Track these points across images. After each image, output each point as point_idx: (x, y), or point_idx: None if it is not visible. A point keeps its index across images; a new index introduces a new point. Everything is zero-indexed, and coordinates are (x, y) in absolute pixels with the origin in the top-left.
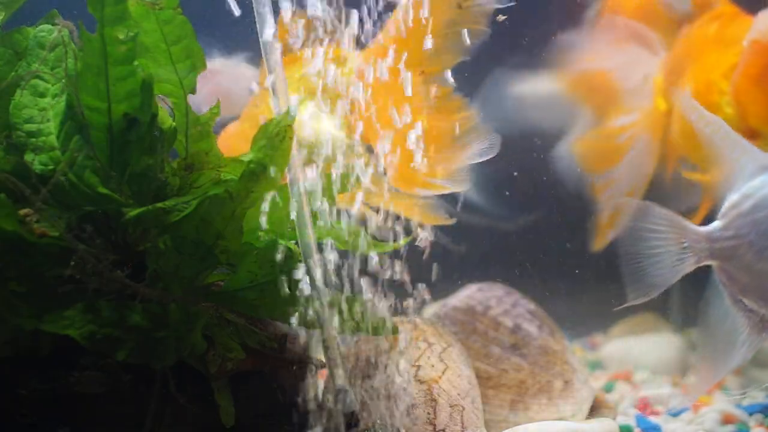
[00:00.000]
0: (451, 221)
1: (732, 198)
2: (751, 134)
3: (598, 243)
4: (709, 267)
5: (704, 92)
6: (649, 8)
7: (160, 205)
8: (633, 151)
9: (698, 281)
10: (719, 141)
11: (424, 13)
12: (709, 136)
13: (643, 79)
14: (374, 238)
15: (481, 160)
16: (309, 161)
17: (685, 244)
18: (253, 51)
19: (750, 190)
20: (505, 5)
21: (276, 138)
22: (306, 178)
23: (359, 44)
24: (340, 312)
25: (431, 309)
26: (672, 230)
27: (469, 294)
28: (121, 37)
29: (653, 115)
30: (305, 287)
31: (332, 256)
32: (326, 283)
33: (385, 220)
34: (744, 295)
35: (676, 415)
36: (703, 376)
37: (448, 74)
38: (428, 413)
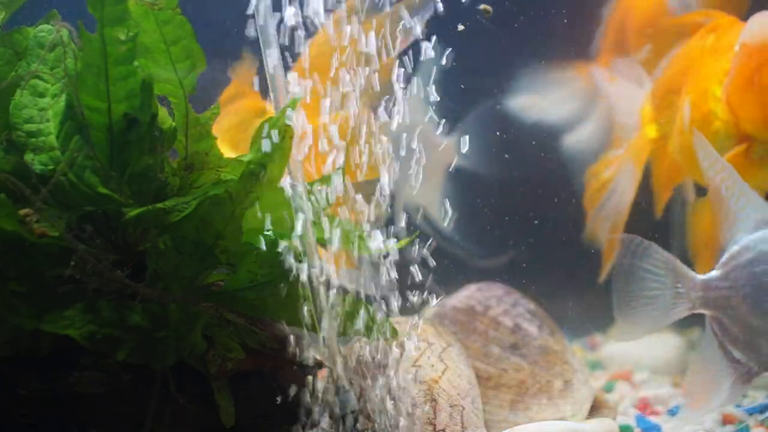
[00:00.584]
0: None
1: (732, 249)
2: (745, 139)
3: (603, 275)
4: None
5: (700, 101)
6: (656, 18)
7: (160, 205)
8: (617, 181)
9: None
10: (726, 189)
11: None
12: (717, 182)
13: (631, 113)
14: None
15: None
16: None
17: (681, 290)
18: None
19: (750, 242)
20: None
21: (276, 138)
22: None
23: None
24: (341, 312)
25: (431, 309)
26: (669, 274)
27: (468, 294)
28: (121, 37)
29: (639, 144)
30: (305, 287)
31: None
32: (326, 284)
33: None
34: (734, 346)
35: (675, 414)
36: (686, 413)
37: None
38: (428, 413)
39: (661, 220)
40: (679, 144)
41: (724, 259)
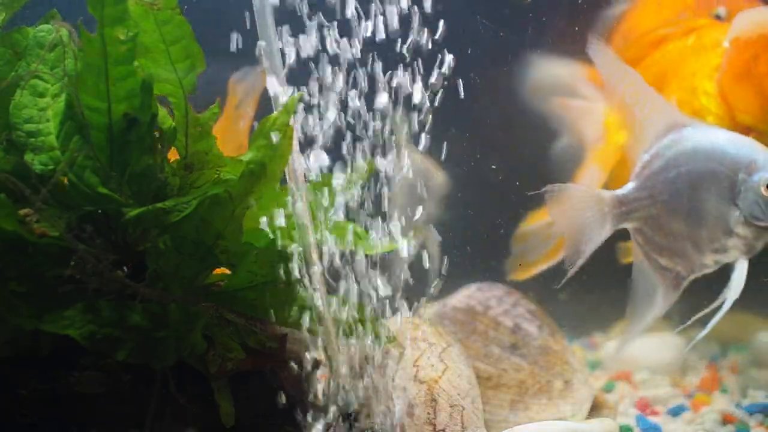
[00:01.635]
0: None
1: (644, 158)
2: (743, 131)
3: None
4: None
5: (689, 98)
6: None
7: (160, 205)
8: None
9: (698, 281)
10: (631, 97)
11: None
12: (621, 91)
13: (593, 128)
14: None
15: None
16: None
17: (604, 210)
18: None
19: (660, 149)
20: None
21: (276, 138)
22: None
23: None
24: (340, 313)
25: (431, 309)
26: (589, 201)
27: (469, 294)
28: (121, 37)
29: (606, 150)
30: (305, 287)
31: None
32: (326, 284)
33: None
34: (659, 255)
35: (675, 414)
36: (629, 329)
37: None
38: (428, 413)
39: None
40: None
41: (637, 170)
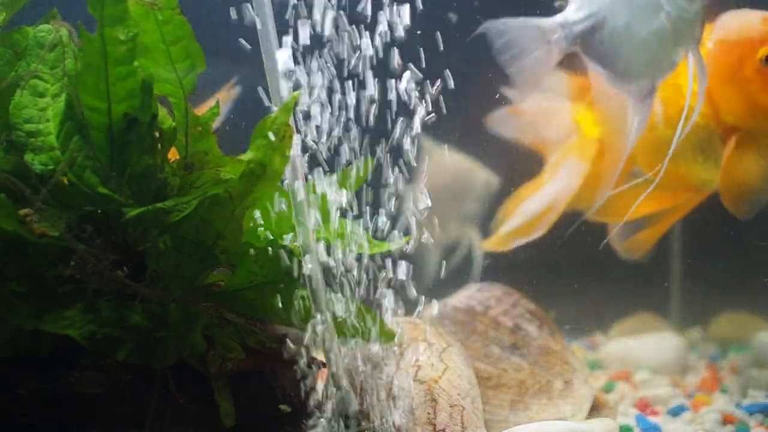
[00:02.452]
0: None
1: None
2: (729, 130)
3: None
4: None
5: (676, 97)
6: None
7: (160, 205)
8: (560, 172)
9: (698, 282)
10: None
11: None
12: None
13: (560, 125)
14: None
15: None
16: None
17: (549, 38)
18: None
19: None
20: None
21: (276, 137)
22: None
23: None
24: (340, 313)
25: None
26: (531, 31)
27: (468, 294)
28: (121, 37)
29: (583, 143)
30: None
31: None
32: (326, 284)
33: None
34: (617, 72)
35: (675, 414)
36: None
37: None
38: (428, 413)
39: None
40: (649, 139)
41: None
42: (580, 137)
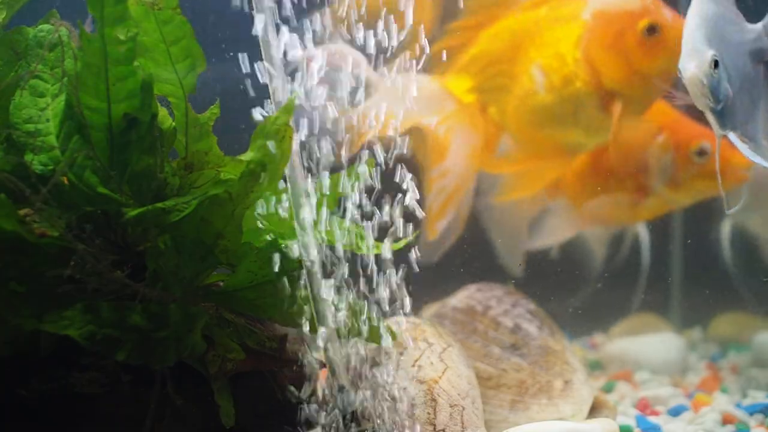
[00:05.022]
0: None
1: None
2: (609, 96)
3: (431, 233)
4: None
5: (558, 65)
6: None
7: (160, 205)
8: (455, 143)
9: (698, 281)
10: None
11: None
12: None
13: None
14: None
15: None
16: None
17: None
18: None
19: None
20: None
21: (276, 137)
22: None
23: None
24: (340, 313)
25: (431, 309)
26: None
27: (469, 294)
28: (121, 37)
29: (464, 110)
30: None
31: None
32: (326, 284)
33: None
34: None
35: (675, 414)
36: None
37: None
38: (428, 413)
39: None
40: (531, 106)
41: None
42: (456, 104)
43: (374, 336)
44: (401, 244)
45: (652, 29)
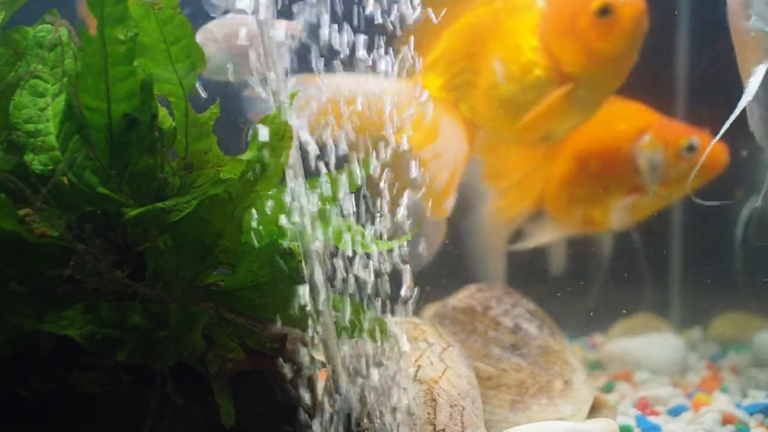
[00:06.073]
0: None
1: None
2: (567, 79)
3: (440, 212)
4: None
5: (516, 54)
6: None
7: (159, 204)
8: (443, 127)
9: (698, 281)
10: None
11: None
12: None
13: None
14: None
15: None
16: None
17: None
18: None
19: None
20: None
21: (275, 137)
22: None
23: None
24: (340, 313)
25: (431, 309)
26: None
27: (469, 294)
28: (121, 37)
29: (440, 103)
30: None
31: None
32: (326, 284)
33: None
34: None
35: (675, 414)
36: None
37: None
38: (428, 413)
39: None
40: (495, 98)
41: None
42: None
43: (376, 335)
44: (401, 241)
45: (604, 10)
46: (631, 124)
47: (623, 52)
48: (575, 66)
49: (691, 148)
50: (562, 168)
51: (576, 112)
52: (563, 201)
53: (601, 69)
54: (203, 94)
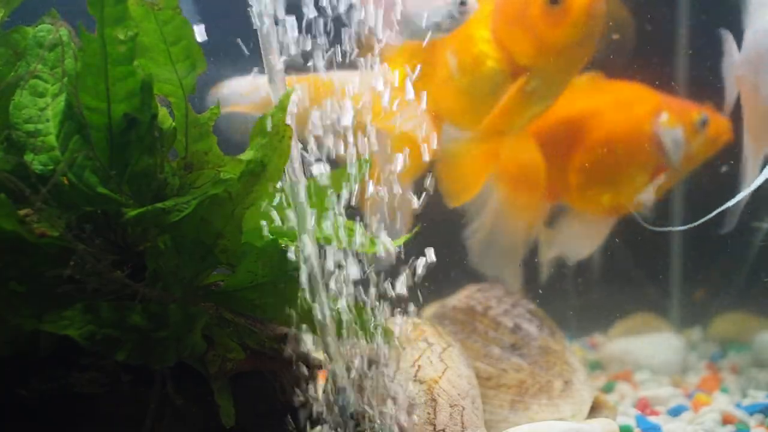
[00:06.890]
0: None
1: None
2: (520, 71)
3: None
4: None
5: (467, 46)
6: None
7: (159, 205)
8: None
9: (698, 282)
10: None
11: None
12: None
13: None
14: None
15: None
16: None
17: None
18: None
19: None
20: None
21: (275, 137)
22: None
23: None
24: (340, 313)
25: (431, 309)
26: None
27: (469, 294)
28: (121, 37)
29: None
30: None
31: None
32: (326, 284)
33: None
34: None
35: (675, 414)
36: None
37: None
38: (428, 413)
39: None
40: (451, 91)
41: None
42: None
43: (377, 336)
44: (401, 240)
45: (555, 0)
46: (645, 104)
47: (577, 41)
48: (528, 57)
49: (704, 123)
50: (585, 158)
51: (532, 104)
52: (591, 191)
53: (554, 59)
54: None
